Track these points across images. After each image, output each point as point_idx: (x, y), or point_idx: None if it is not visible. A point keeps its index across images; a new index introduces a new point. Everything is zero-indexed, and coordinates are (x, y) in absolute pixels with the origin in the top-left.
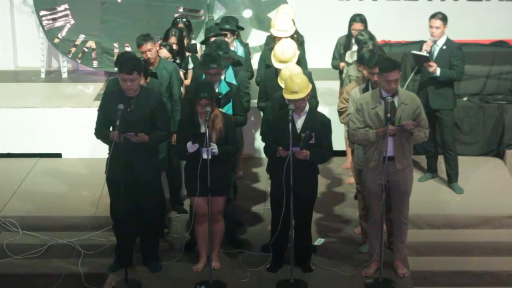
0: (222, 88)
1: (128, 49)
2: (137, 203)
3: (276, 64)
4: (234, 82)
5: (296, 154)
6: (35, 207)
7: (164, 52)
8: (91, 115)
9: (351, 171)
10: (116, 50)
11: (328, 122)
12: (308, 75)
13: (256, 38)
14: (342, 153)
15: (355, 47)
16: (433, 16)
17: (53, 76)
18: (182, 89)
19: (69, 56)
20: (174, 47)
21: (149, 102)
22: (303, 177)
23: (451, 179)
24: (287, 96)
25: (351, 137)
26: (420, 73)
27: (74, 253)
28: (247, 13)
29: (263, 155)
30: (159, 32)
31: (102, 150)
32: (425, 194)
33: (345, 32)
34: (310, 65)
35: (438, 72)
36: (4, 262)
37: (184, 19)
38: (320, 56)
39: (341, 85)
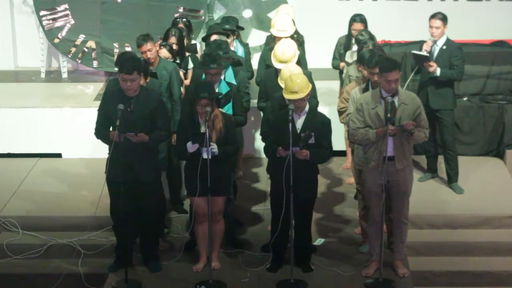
0: (222, 88)
1: (128, 49)
2: (137, 203)
3: (276, 64)
4: (234, 82)
5: (296, 154)
6: (35, 207)
7: (164, 52)
8: (91, 115)
9: (351, 171)
10: (116, 50)
11: (328, 122)
12: (308, 75)
13: (256, 38)
14: (342, 153)
15: (355, 47)
16: (433, 16)
17: (53, 76)
18: (182, 89)
19: (69, 56)
20: (174, 47)
21: (149, 102)
22: (303, 177)
23: (451, 179)
24: (287, 96)
25: (351, 137)
26: (420, 73)
27: (74, 253)
28: (247, 13)
29: (263, 155)
30: (159, 32)
31: (102, 150)
32: (425, 194)
33: (345, 32)
34: (310, 65)
35: (438, 72)
36: (4, 262)
37: (184, 19)
38: (320, 56)
39: (341, 85)
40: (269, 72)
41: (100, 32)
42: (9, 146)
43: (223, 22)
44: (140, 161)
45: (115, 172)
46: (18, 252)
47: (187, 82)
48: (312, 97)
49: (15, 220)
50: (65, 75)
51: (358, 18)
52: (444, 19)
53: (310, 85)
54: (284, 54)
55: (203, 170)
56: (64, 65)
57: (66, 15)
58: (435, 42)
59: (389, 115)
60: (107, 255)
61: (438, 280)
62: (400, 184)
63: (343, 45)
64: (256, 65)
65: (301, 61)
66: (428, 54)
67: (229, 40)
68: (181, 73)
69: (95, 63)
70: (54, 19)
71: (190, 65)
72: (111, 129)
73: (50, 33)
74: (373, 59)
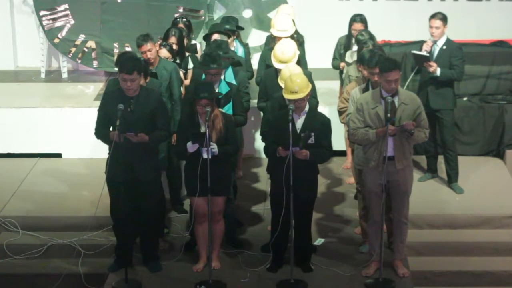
0: (222, 88)
1: (128, 49)
2: (137, 203)
3: (276, 64)
4: (233, 82)
5: (296, 154)
6: (35, 207)
7: (164, 52)
8: (91, 115)
9: (351, 171)
10: (116, 50)
11: (328, 122)
12: (308, 75)
13: (256, 38)
14: (342, 153)
15: (355, 47)
16: (433, 16)
17: (53, 76)
18: (182, 89)
19: (69, 56)
20: (174, 47)
21: (149, 102)
22: (303, 177)
23: (451, 179)
24: (287, 96)
25: (351, 136)
26: (420, 73)
27: (74, 253)
28: (247, 13)
29: (263, 155)
30: (159, 32)
31: (102, 150)
32: (425, 194)
33: (345, 32)
34: (310, 65)
35: (438, 72)
36: (4, 262)
37: (184, 19)
38: (320, 56)
39: (341, 85)
40: (269, 72)
41: (100, 32)
42: (9, 146)
43: (223, 22)
44: (140, 161)
45: (115, 172)
46: (18, 252)
47: (187, 82)
48: (312, 97)
49: (15, 220)
50: (65, 75)
51: (358, 18)
52: (444, 19)
53: (310, 85)
54: (284, 54)
55: (203, 170)
56: (64, 65)
57: (66, 15)
58: (435, 42)
59: (389, 115)
60: (107, 255)
61: (438, 280)
62: (400, 184)
63: (343, 45)
64: (256, 65)
65: (301, 61)
66: (428, 54)
67: (229, 40)
68: (181, 73)
69: (95, 63)
70: (54, 19)
71: (190, 65)
72: (111, 129)
73: (50, 33)
74: (373, 59)
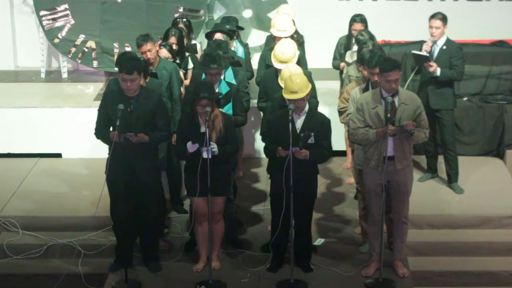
0: (222, 88)
1: (128, 49)
2: (137, 203)
3: (276, 64)
4: (233, 82)
5: (296, 154)
6: (35, 207)
7: (164, 52)
8: (91, 115)
9: (351, 171)
10: (116, 50)
11: (327, 122)
12: (308, 75)
13: (256, 38)
14: (342, 153)
15: (355, 47)
16: (433, 16)
17: (53, 76)
18: (182, 89)
19: (69, 56)
20: (174, 47)
21: (149, 102)
22: (303, 177)
23: (451, 179)
24: (286, 96)
25: (351, 136)
26: (420, 73)
27: (74, 253)
28: (247, 13)
29: (263, 155)
30: (159, 32)
31: (102, 150)
32: (425, 194)
33: (345, 32)
34: (310, 65)
35: (438, 72)
36: (4, 262)
37: (184, 19)
38: (320, 56)
39: (341, 85)
40: (269, 72)
41: (100, 32)
42: (9, 146)
43: (223, 22)
44: (140, 161)
45: (115, 172)
46: (18, 252)
47: (187, 82)
48: (312, 97)
49: (15, 220)
50: (65, 75)
51: (358, 18)
52: (444, 19)
53: (310, 85)
54: (284, 54)
55: (203, 170)
56: (64, 65)
57: (66, 15)
58: (435, 42)
59: (389, 115)
60: (107, 255)
61: (438, 280)
62: (400, 184)
63: (344, 45)
64: (256, 65)
65: (301, 61)
66: (428, 54)
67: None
68: (181, 73)
69: (95, 63)
70: (54, 19)
71: (190, 65)
72: (111, 129)
73: (50, 33)
74: (373, 59)
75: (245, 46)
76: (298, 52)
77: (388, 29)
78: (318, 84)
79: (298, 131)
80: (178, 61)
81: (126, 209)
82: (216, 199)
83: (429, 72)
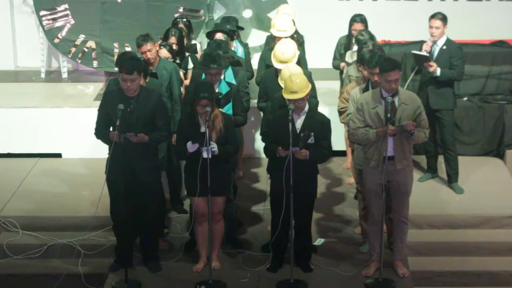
0: (222, 88)
1: (128, 49)
2: (137, 203)
3: (276, 64)
4: (233, 82)
5: (296, 154)
6: (35, 207)
7: (164, 52)
8: (91, 115)
9: (351, 171)
10: (116, 50)
11: (327, 121)
12: (308, 75)
13: (256, 38)
14: (342, 153)
15: (355, 47)
16: (433, 16)
17: (53, 76)
18: (182, 89)
19: (69, 56)
20: (174, 47)
21: (149, 102)
22: (303, 177)
23: (451, 179)
24: (286, 96)
25: (351, 136)
26: (420, 73)
27: (74, 253)
28: (247, 13)
29: (263, 155)
30: (159, 32)
31: (102, 150)
32: (425, 194)
33: (346, 32)
34: (310, 65)
35: (438, 72)
36: (4, 262)
37: (184, 19)
38: (320, 56)
39: (341, 85)
40: (269, 72)
41: (100, 32)
42: (9, 146)
43: (223, 22)
44: (140, 161)
45: (115, 172)
46: (18, 252)
47: (187, 82)
48: (312, 97)
49: (15, 220)
50: (65, 75)
51: (359, 18)
52: (444, 19)
53: (310, 85)
54: (284, 54)
55: (203, 170)
56: (64, 65)
57: (66, 15)
58: (435, 42)
59: (389, 115)
60: (107, 255)
61: (438, 280)
62: (400, 184)
63: (344, 45)
64: (256, 65)
65: (301, 61)
66: (428, 54)
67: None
68: (181, 73)
69: (95, 63)
70: (54, 19)
71: (190, 65)
72: (111, 129)
73: (50, 33)
74: (373, 59)
75: (245, 46)
76: (298, 52)
77: (388, 29)
78: (318, 84)
79: (298, 131)
80: (178, 61)
81: (126, 209)
82: (216, 199)
83: (429, 72)
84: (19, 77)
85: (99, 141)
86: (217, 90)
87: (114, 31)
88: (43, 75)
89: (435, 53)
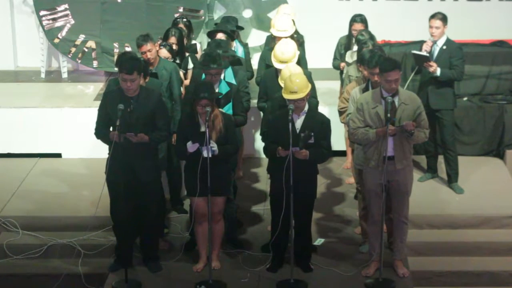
0: (222, 88)
1: (128, 49)
2: (137, 203)
3: (276, 64)
4: (233, 81)
5: (296, 154)
6: (35, 207)
7: (164, 52)
8: (91, 115)
9: (351, 171)
10: (116, 50)
11: (327, 121)
12: (308, 75)
13: (256, 38)
14: (342, 153)
15: (355, 47)
16: (433, 16)
17: (53, 76)
18: (182, 89)
19: (69, 56)
20: (174, 47)
21: (149, 102)
22: (303, 177)
23: (451, 179)
24: (286, 96)
25: (351, 136)
26: (420, 73)
27: (74, 253)
28: (247, 13)
29: (263, 155)
30: (159, 32)
31: (102, 150)
32: (425, 194)
33: (346, 32)
34: (311, 65)
35: (438, 72)
36: (4, 262)
37: (184, 19)
38: (320, 56)
39: (341, 85)
40: (269, 72)
41: (100, 32)
42: (9, 146)
43: (223, 22)
44: (140, 161)
45: (115, 172)
46: (18, 252)
47: (187, 82)
48: (312, 97)
49: (15, 220)
50: (65, 75)
51: (359, 18)
52: (444, 19)
53: (310, 85)
54: (284, 54)
55: (203, 170)
56: (64, 65)
57: (66, 15)
58: (435, 42)
59: (389, 115)
60: (107, 255)
61: (438, 280)
62: (400, 184)
63: (344, 45)
64: (256, 65)
65: (301, 61)
66: (428, 54)
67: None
68: (181, 73)
69: (95, 63)
70: (54, 19)
71: (190, 65)
72: (111, 129)
73: (50, 33)
74: (373, 59)
75: (245, 46)
76: (298, 52)
77: (388, 29)
78: (318, 84)
79: (297, 131)
80: (178, 61)
81: (126, 209)
82: (216, 199)
83: (429, 72)
84: (19, 77)
85: (99, 141)
86: (217, 90)
87: (114, 31)
88: (43, 75)
89: (435, 53)
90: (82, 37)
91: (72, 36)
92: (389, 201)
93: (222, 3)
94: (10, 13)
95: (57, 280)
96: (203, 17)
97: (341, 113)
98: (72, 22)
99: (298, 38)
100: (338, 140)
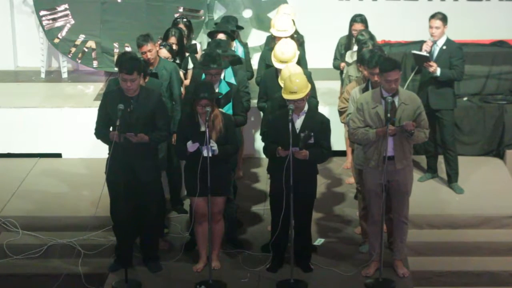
0: (222, 88)
1: (128, 49)
2: (137, 203)
3: (277, 64)
4: (233, 81)
5: (296, 154)
6: (35, 207)
7: (164, 52)
8: (91, 115)
9: (351, 171)
10: (116, 50)
11: (327, 121)
12: (308, 75)
13: (256, 38)
14: (342, 153)
15: (355, 48)
16: (433, 16)
17: (53, 76)
18: (182, 89)
19: (69, 56)
20: (174, 47)
21: (149, 102)
22: (302, 177)
23: (451, 179)
24: (286, 96)
25: (351, 136)
26: (420, 73)
27: (74, 253)
28: (247, 13)
29: (263, 155)
30: (159, 32)
31: (102, 150)
32: (425, 194)
33: (346, 32)
34: (311, 65)
35: (438, 72)
36: (4, 262)
37: (185, 19)
38: (320, 56)
39: (342, 85)
40: (269, 72)
41: (100, 32)
42: (9, 146)
43: (223, 22)
44: (140, 161)
45: (115, 172)
46: (18, 252)
47: (187, 82)
48: (312, 97)
49: (15, 220)
50: (65, 75)
51: (359, 18)
52: (444, 19)
53: (309, 85)
54: (284, 54)
55: (203, 169)
56: (64, 65)
57: (66, 15)
58: (435, 42)
59: (389, 115)
60: (107, 255)
61: (438, 280)
62: (400, 184)
63: (344, 45)
64: (256, 65)
65: (301, 61)
66: (428, 54)
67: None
68: (181, 73)
69: (95, 63)
70: (54, 19)
71: (190, 65)
72: (111, 129)
73: (50, 33)
74: (373, 59)
75: (245, 46)
76: (298, 52)
77: (388, 29)
78: (318, 84)
79: (297, 131)
80: (178, 61)
81: (126, 209)
82: (216, 199)
83: (429, 72)
84: (19, 77)
85: (99, 141)
86: (217, 90)
87: (114, 31)
88: (43, 75)
89: (435, 53)
90: (82, 37)
91: (72, 36)
92: (389, 201)
93: (222, 3)
94: (10, 13)
95: (57, 280)
96: (203, 17)
97: (341, 113)
98: (72, 22)
99: (298, 38)
100: (338, 140)
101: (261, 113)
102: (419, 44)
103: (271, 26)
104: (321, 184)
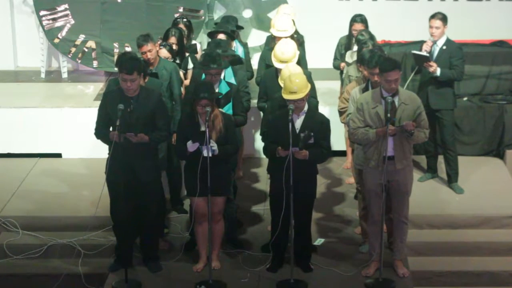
0: (222, 88)
1: (128, 49)
2: (137, 203)
3: (277, 64)
4: (232, 81)
5: (295, 154)
6: (35, 207)
7: (164, 52)
8: (91, 115)
9: (351, 171)
10: (116, 50)
11: (327, 121)
12: (308, 75)
13: (256, 38)
14: (342, 153)
15: (355, 48)
16: (433, 16)
17: (53, 76)
18: (182, 89)
19: (69, 56)
20: (174, 47)
21: (149, 102)
22: (302, 177)
23: (451, 179)
24: (286, 96)
25: (351, 136)
26: (420, 73)
27: (74, 253)
28: (247, 13)
29: (263, 155)
30: (159, 32)
31: (102, 150)
32: (425, 194)
33: (346, 32)
34: (311, 65)
35: (438, 72)
36: (4, 262)
37: (185, 19)
38: (320, 56)
39: (342, 85)
40: (269, 72)
41: (100, 32)
42: (9, 146)
43: (223, 22)
44: (140, 161)
45: (115, 172)
46: (18, 252)
47: (187, 82)
48: (312, 97)
49: (15, 220)
50: (65, 75)
51: (359, 18)
52: (444, 19)
53: (309, 85)
54: (284, 54)
55: (203, 169)
56: (64, 65)
57: (66, 15)
58: (435, 42)
59: (389, 115)
60: (107, 255)
61: (438, 280)
62: (400, 184)
63: (344, 45)
64: (256, 65)
65: (301, 61)
66: (428, 54)
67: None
68: (181, 73)
69: (95, 63)
70: (54, 19)
71: (190, 65)
72: (111, 129)
73: (50, 33)
74: (373, 59)
75: (245, 46)
76: (298, 52)
77: (388, 29)
78: (318, 84)
79: (297, 131)
80: (178, 61)
81: (126, 209)
82: (216, 199)
83: (429, 72)
84: (19, 77)
85: (99, 141)
86: (217, 90)
87: (114, 31)
88: (43, 75)
89: (435, 53)
90: (82, 37)
91: (72, 36)
92: (389, 201)
93: (222, 3)
94: (10, 13)
95: (57, 280)
96: (203, 17)
97: (341, 113)
98: (72, 22)
99: (298, 38)
100: (338, 140)
101: (261, 113)
102: (419, 44)
103: (271, 26)
104: (321, 184)
